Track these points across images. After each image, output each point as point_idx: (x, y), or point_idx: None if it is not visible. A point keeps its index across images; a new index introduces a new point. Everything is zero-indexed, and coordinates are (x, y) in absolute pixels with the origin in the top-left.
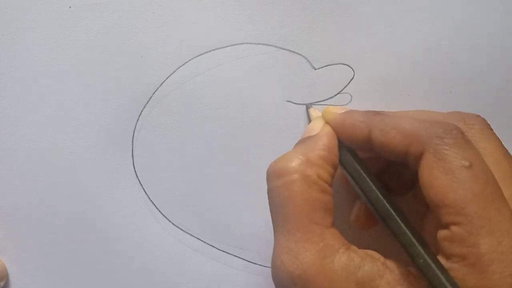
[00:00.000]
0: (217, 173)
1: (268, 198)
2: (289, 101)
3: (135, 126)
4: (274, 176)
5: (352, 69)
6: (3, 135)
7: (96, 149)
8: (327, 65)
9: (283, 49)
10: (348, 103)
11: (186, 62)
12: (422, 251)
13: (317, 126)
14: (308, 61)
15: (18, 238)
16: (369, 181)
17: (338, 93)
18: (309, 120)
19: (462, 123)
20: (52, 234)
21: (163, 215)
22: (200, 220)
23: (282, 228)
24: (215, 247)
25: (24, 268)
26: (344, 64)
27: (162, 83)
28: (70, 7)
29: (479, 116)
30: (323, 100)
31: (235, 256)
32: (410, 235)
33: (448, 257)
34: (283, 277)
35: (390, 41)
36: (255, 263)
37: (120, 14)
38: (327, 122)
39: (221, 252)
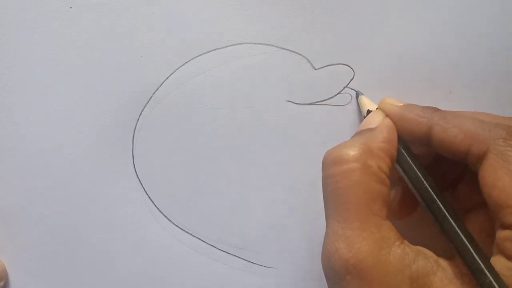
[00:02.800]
0: (217, 173)
1: (323, 185)
2: (289, 101)
3: (135, 126)
4: (333, 163)
5: (352, 69)
6: (3, 135)
7: (96, 149)
8: (327, 65)
9: (283, 49)
10: (348, 103)
11: (186, 62)
12: (467, 243)
13: (377, 118)
14: (308, 61)
15: (18, 238)
16: (425, 181)
17: (338, 93)
18: (358, 108)
19: None
20: (52, 234)
21: (163, 215)
22: (200, 220)
23: (338, 216)
24: (215, 247)
25: (24, 268)
26: (344, 64)
27: (162, 83)
28: (70, 7)
29: None
30: (323, 100)
31: (235, 256)
32: (456, 227)
33: (510, 257)
34: (337, 264)
35: (390, 41)
36: (255, 263)
37: (120, 14)
38: (386, 114)
39: (221, 252)
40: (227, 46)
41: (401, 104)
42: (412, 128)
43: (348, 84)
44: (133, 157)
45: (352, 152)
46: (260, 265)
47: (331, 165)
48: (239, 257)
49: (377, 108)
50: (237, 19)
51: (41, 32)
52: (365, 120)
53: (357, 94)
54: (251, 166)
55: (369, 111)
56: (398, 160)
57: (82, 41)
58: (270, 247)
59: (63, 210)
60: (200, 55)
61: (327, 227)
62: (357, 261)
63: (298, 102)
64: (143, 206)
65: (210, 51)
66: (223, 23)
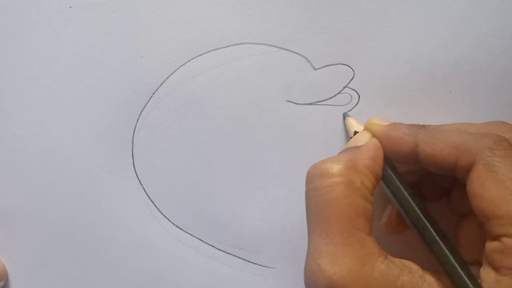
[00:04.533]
0: (217, 173)
1: (307, 199)
2: (289, 101)
3: (135, 126)
4: (317, 176)
5: (352, 69)
6: (3, 135)
7: (96, 149)
8: (327, 65)
9: (283, 49)
10: (348, 103)
11: (186, 62)
12: (454, 262)
13: (364, 138)
14: (308, 61)
15: (18, 238)
16: (404, 190)
17: (338, 93)
18: (345, 129)
19: (509, 134)
20: (52, 234)
21: (163, 215)
22: (200, 220)
23: (321, 231)
24: (215, 247)
25: (24, 268)
26: (344, 64)
27: (162, 83)
28: (70, 7)
29: None
30: (323, 100)
31: (235, 256)
32: (442, 245)
33: (497, 269)
34: (319, 282)
35: (390, 41)
36: (255, 263)
37: (120, 14)
38: (373, 134)
39: (221, 252)
40: (227, 46)
41: (386, 124)
42: (398, 146)
43: (348, 84)
44: (133, 157)
45: (337, 166)
46: (260, 265)
47: (315, 178)
48: (239, 257)
49: (363, 129)
50: (237, 19)
51: (41, 32)
52: (352, 139)
53: (344, 116)
54: (251, 166)
55: (355, 133)
56: (384, 179)
57: (82, 41)
58: (270, 247)
59: (63, 210)
60: (200, 55)
61: (309, 243)
62: (340, 277)
63: (298, 102)
64: (143, 206)
65: (210, 51)
66: (223, 23)
